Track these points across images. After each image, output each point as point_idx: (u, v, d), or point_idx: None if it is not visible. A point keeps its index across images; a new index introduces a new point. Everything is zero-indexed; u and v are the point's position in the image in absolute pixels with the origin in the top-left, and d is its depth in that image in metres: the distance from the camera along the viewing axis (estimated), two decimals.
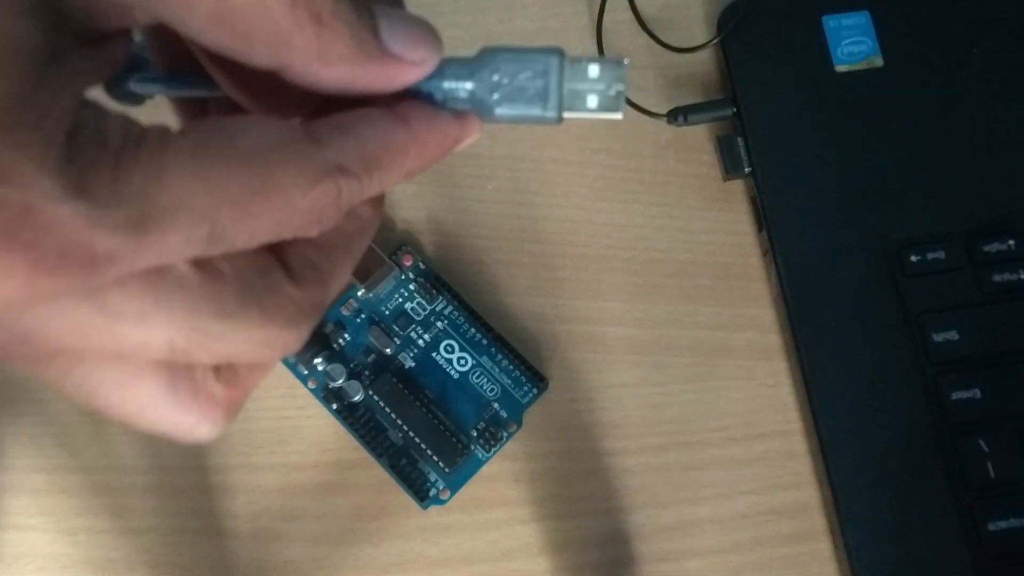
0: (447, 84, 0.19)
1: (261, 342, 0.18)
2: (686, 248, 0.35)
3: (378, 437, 0.32)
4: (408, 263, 0.34)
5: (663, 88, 0.37)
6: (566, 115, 0.19)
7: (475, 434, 0.33)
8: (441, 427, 0.32)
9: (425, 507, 0.32)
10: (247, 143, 0.16)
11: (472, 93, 0.19)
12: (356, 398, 0.33)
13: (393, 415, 0.32)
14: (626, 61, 0.19)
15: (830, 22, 0.36)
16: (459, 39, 0.37)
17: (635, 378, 0.34)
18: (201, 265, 0.17)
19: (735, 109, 0.35)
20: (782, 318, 0.34)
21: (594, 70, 0.19)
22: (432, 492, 0.32)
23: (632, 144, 0.36)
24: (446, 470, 0.32)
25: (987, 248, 0.33)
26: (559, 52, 0.19)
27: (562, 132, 0.36)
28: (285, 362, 0.33)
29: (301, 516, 0.32)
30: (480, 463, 0.33)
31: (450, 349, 0.33)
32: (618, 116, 0.19)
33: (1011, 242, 0.33)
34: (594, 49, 0.37)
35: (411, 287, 0.34)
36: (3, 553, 0.32)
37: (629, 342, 0.34)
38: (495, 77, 0.19)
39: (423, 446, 0.32)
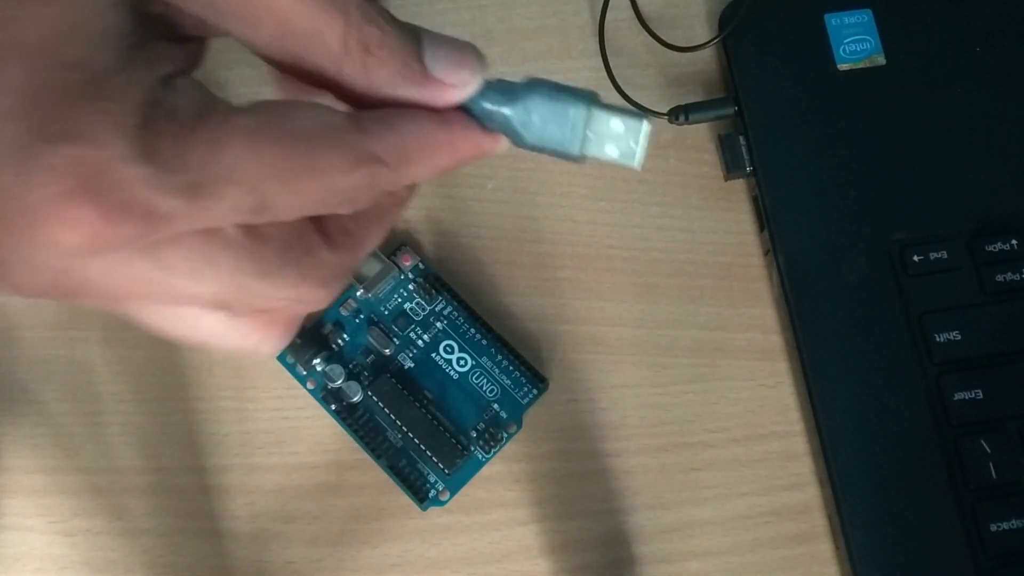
0: (487, 105, 0.20)
1: (295, 299, 0.20)
2: (687, 248, 0.35)
3: (377, 438, 0.32)
4: (407, 263, 0.34)
5: (664, 87, 0.37)
6: (588, 155, 0.21)
7: (475, 435, 0.32)
8: (440, 428, 0.32)
9: (424, 508, 0.32)
10: (299, 126, 0.18)
11: (507, 119, 0.20)
12: (355, 399, 0.32)
13: (392, 416, 0.32)
14: (647, 124, 0.21)
15: (832, 20, 0.36)
16: (459, 36, 0.37)
17: (635, 378, 0.34)
18: (247, 229, 0.19)
19: (736, 108, 0.35)
20: (783, 318, 0.34)
21: (618, 125, 0.21)
22: (431, 493, 0.32)
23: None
24: (445, 471, 0.32)
25: (989, 248, 0.33)
26: (592, 99, 0.20)
27: None
28: (283, 363, 0.33)
29: (300, 517, 0.32)
30: (480, 464, 0.32)
31: (450, 350, 0.33)
32: (635, 166, 0.21)
33: (1013, 242, 0.33)
34: (595, 48, 0.36)
35: (410, 287, 0.34)
36: (1, 554, 0.32)
37: (629, 342, 0.34)
38: (531, 110, 0.20)
39: (422, 447, 0.32)
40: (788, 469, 0.33)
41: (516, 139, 0.21)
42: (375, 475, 0.32)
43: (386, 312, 0.34)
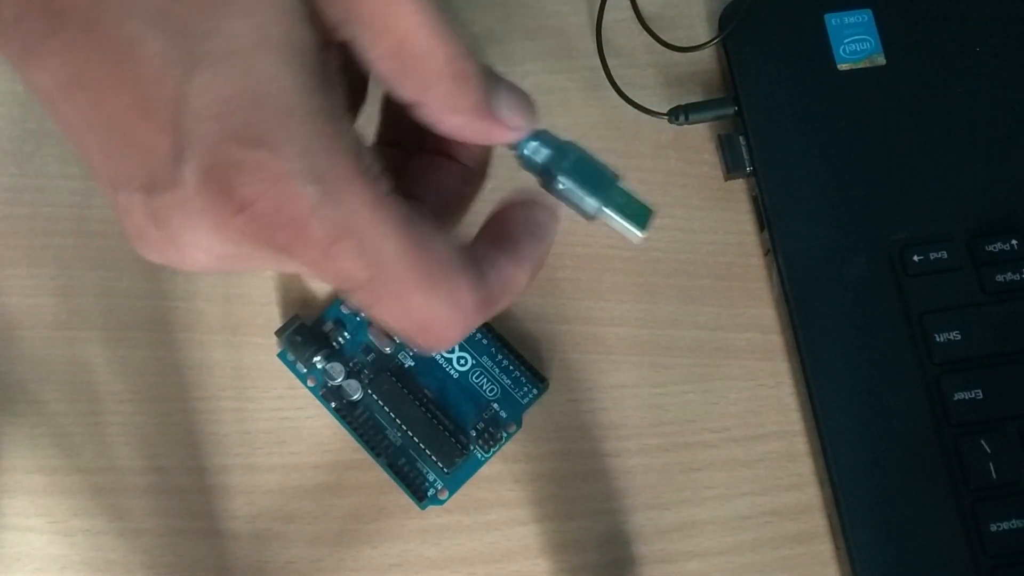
0: (528, 150, 0.23)
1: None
2: (687, 248, 0.35)
3: (377, 436, 0.32)
4: None
5: (664, 87, 0.37)
6: (601, 215, 0.24)
7: (474, 434, 0.32)
8: (440, 427, 0.32)
9: (423, 507, 0.32)
10: (433, 247, 0.20)
11: (545, 164, 0.23)
12: (355, 397, 0.32)
13: (392, 414, 0.32)
14: (654, 212, 0.25)
15: (832, 20, 0.36)
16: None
17: (635, 378, 0.34)
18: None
19: (736, 108, 0.35)
20: (783, 318, 0.34)
21: (634, 203, 0.24)
22: (431, 492, 0.32)
23: (633, 143, 0.36)
24: (445, 470, 0.32)
25: (989, 248, 0.33)
26: (615, 178, 0.24)
27: (562, 132, 0.36)
28: (284, 360, 0.33)
29: (300, 517, 0.32)
30: (479, 463, 0.32)
31: (450, 349, 0.33)
32: (636, 241, 0.24)
33: (1013, 242, 0.33)
34: (595, 48, 0.36)
35: None
36: (1, 554, 0.32)
37: (629, 342, 0.34)
38: (566, 161, 0.24)
39: (422, 446, 0.32)
40: (788, 469, 0.33)
41: (548, 182, 0.24)
42: (375, 475, 0.32)
43: None
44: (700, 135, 0.36)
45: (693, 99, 0.36)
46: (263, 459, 0.33)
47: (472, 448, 0.32)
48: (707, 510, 0.32)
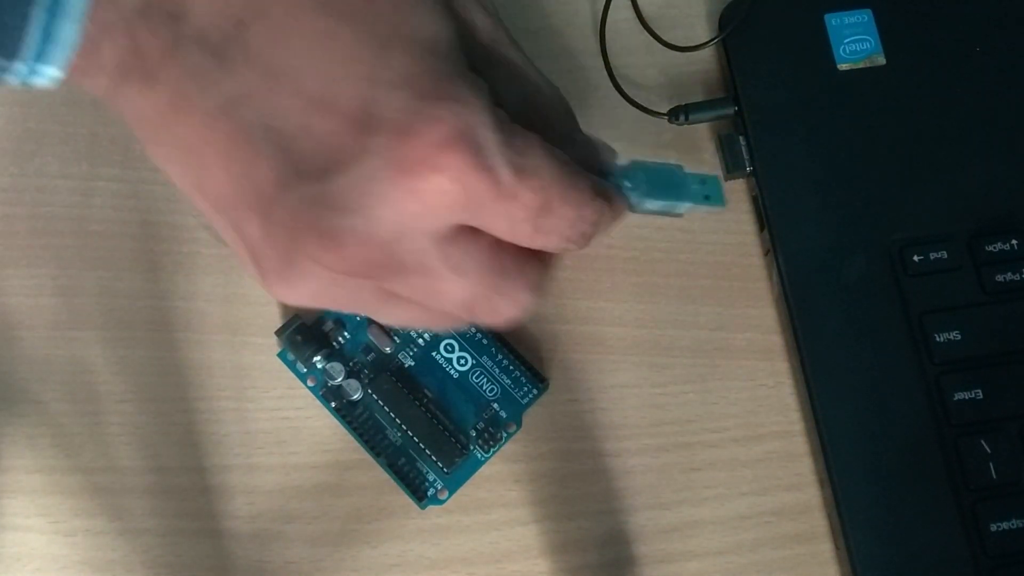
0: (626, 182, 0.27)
1: (516, 303, 0.25)
2: (687, 248, 0.35)
3: (376, 436, 0.32)
4: None
5: (664, 87, 0.37)
6: (689, 208, 0.27)
7: (474, 434, 0.32)
8: (440, 427, 0.32)
9: (423, 507, 0.32)
10: (567, 157, 0.24)
11: (626, 190, 0.26)
12: (355, 397, 0.32)
13: (392, 414, 0.32)
14: (720, 176, 0.30)
15: (832, 20, 0.36)
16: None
17: (635, 378, 0.34)
18: (495, 238, 0.24)
19: (736, 108, 0.35)
20: (783, 318, 0.34)
21: (702, 180, 0.27)
22: (430, 492, 0.32)
23: (633, 143, 0.36)
24: (444, 470, 0.32)
25: (989, 248, 0.33)
26: (683, 173, 0.27)
27: None
28: (284, 360, 0.33)
29: (300, 517, 0.32)
30: (479, 463, 0.32)
31: (450, 348, 0.33)
32: (723, 208, 0.27)
33: (1014, 242, 0.33)
34: (595, 48, 0.36)
35: None
36: (1, 554, 0.32)
37: (629, 342, 0.34)
38: (640, 181, 0.26)
39: (421, 445, 0.32)
40: (788, 469, 0.33)
41: (633, 208, 0.27)
42: (375, 475, 0.32)
43: None
44: (700, 135, 0.36)
45: (693, 99, 0.36)
46: (263, 459, 0.33)
47: (472, 448, 0.32)
48: (707, 510, 0.32)
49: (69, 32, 0.22)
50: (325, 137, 0.22)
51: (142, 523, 0.32)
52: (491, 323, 0.26)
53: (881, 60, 0.35)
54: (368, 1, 0.22)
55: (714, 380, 0.34)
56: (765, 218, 0.34)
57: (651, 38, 0.36)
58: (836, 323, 0.33)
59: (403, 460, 0.32)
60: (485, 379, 0.33)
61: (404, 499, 0.32)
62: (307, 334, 0.33)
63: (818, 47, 0.35)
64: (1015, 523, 0.31)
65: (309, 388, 0.33)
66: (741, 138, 0.35)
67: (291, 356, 0.33)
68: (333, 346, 0.33)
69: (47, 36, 0.22)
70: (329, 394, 0.33)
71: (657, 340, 0.34)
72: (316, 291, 0.24)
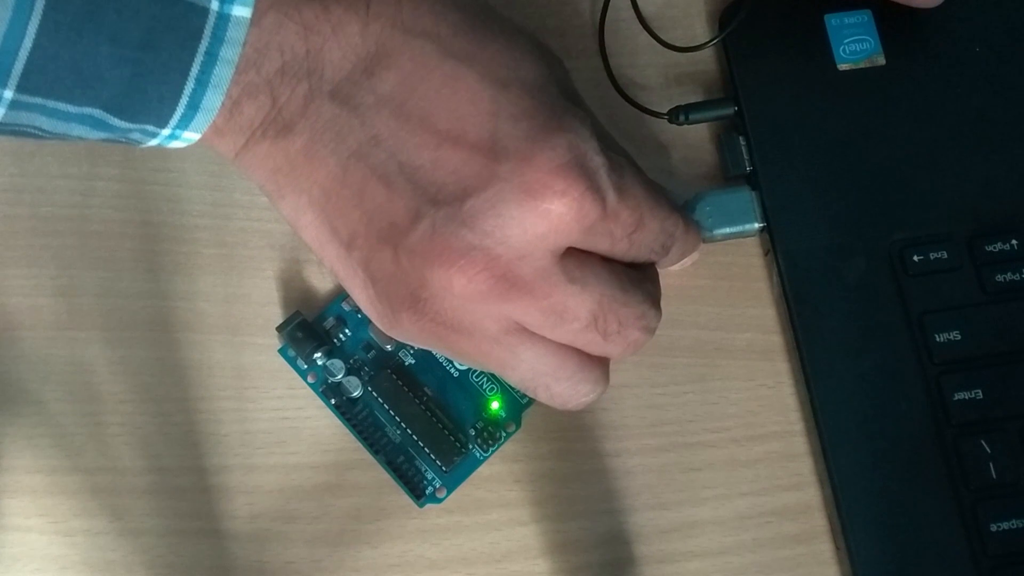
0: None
1: (640, 316, 0.28)
2: None
3: (376, 434, 0.32)
4: None
5: (664, 87, 0.37)
6: (757, 229, 0.34)
7: (473, 433, 0.32)
8: (439, 425, 0.32)
9: (422, 505, 0.32)
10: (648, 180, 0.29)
11: (697, 223, 0.32)
12: (355, 394, 0.32)
13: (391, 412, 0.32)
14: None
15: (832, 20, 0.36)
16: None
17: (635, 378, 0.34)
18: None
19: (736, 108, 0.35)
20: (783, 318, 0.34)
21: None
22: (429, 490, 0.32)
23: (633, 143, 0.36)
24: (443, 468, 0.32)
25: (989, 248, 0.33)
26: (748, 187, 0.34)
27: None
28: (285, 356, 0.33)
29: (300, 517, 0.32)
30: (478, 462, 0.32)
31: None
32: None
33: (1014, 242, 0.33)
34: (594, 48, 0.36)
35: None
36: (1, 554, 0.32)
37: None
38: (709, 219, 0.33)
39: (420, 444, 0.32)
40: (788, 469, 0.33)
41: (704, 237, 0.32)
42: (375, 475, 0.32)
43: None
44: (700, 135, 0.36)
45: (693, 99, 0.36)
46: (263, 459, 0.33)
47: (471, 447, 0.32)
48: (707, 510, 0.32)
49: (214, 99, 0.24)
50: (457, 167, 0.24)
51: (142, 523, 0.32)
52: (621, 346, 0.28)
53: (881, 60, 0.35)
54: (482, 48, 0.25)
55: (714, 380, 0.34)
56: (765, 218, 0.34)
57: (651, 38, 0.36)
58: (836, 323, 0.33)
59: (402, 458, 0.32)
60: (485, 378, 0.33)
61: (404, 499, 0.32)
62: (308, 330, 0.33)
63: (818, 47, 0.35)
64: (1015, 523, 0.31)
65: (309, 384, 0.33)
66: (741, 138, 0.35)
67: (291, 352, 0.33)
68: (334, 343, 0.33)
69: (194, 104, 0.24)
70: (329, 391, 0.33)
71: (657, 340, 0.34)
72: (442, 323, 0.26)
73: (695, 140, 0.36)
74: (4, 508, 0.32)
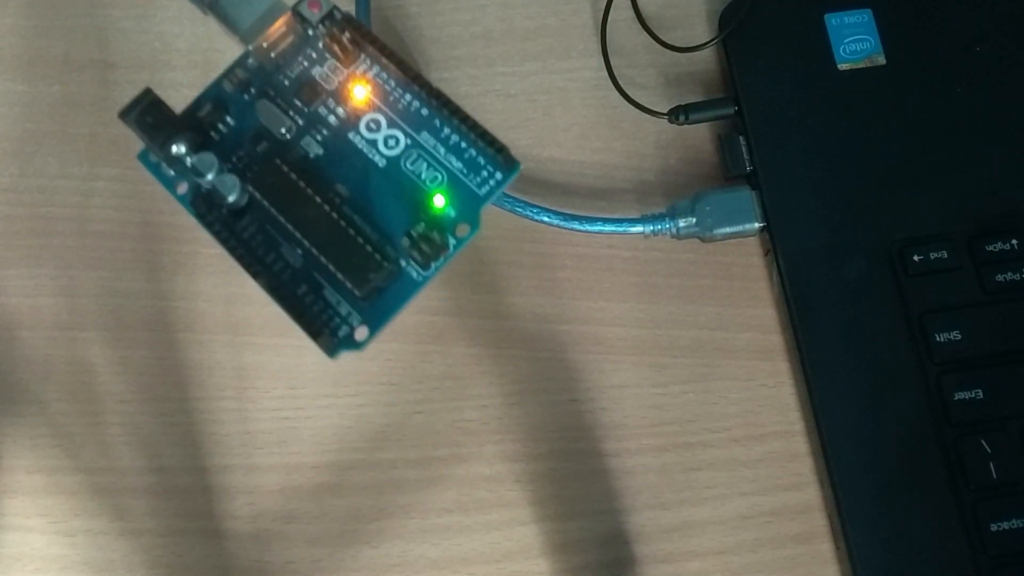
0: (681, 222, 0.32)
1: None
2: (687, 248, 0.35)
3: (268, 256, 0.23)
4: (315, 11, 0.24)
5: (664, 87, 0.37)
6: (757, 229, 0.33)
7: (407, 243, 0.22)
8: (350, 231, 0.22)
9: (334, 354, 0.22)
10: None
11: (694, 225, 0.32)
12: (231, 199, 0.23)
13: (282, 218, 0.23)
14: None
15: (832, 20, 0.36)
16: (459, 37, 0.37)
17: (636, 378, 0.34)
18: None
19: (737, 108, 0.35)
20: (783, 318, 0.34)
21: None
22: (343, 331, 0.22)
23: (633, 143, 0.36)
24: (357, 293, 0.22)
25: (989, 248, 0.33)
26: (749, 187, 0.33)
27: (562, 132, 0.36)
28: (146, 163, 0.24)
29: (300, 517, 0.32)
30: (415, 286, 0.23)
31: (374, 126, 0.24)
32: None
33: (1014, 241, 0.33)
34: (595, 48, 0.36)
35: (319, 45, 0.24)
36: (1, 554, 0.32)
37: (630, 342, 0.34)
38: (707, 210, 0.32)
39: (323, 260, 0.22)
40: (788, 469, 0.33)
41: (704, 236, 0.31)
42: (375, 475, 0.32)
43: (286, 82, 0.24)
44: (700, 135, 0.36)
45: (693, 99, 0.36)
46: (263, 459, 0.33)
47: (404, 263, 0.23)
48: (707, 510, 0.32)
49: None
50: None
51: (142, 523, 0.32)
52: None
53: (881, 60, 0.35)
54: None
55: (714, 380, 0.34)
56: (765, 218, 0.34)
57: (651, 38, 0.36)
58: (836, 323, 0.33)
59: (304, 288, 0.23)
60: (424, 164, 0.23)
61: (404, 499, 0.32)
62: (162, 115, 0.23)
63: (818, 47, 0.35)
64: (1015, 523, 0.31)
65: (179, 199, 0.24)
66: (741, 138, 0.35)
67: (154, 158, 0.24)
68: (211, 137, 0.24)
69: None
70: (201, 204, 0.23)
71: (657, 340, 0.34)
72: None
73: (695, 140, 0.36)
74: (4, 508, 0.32)
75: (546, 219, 0.34)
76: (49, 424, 0.33)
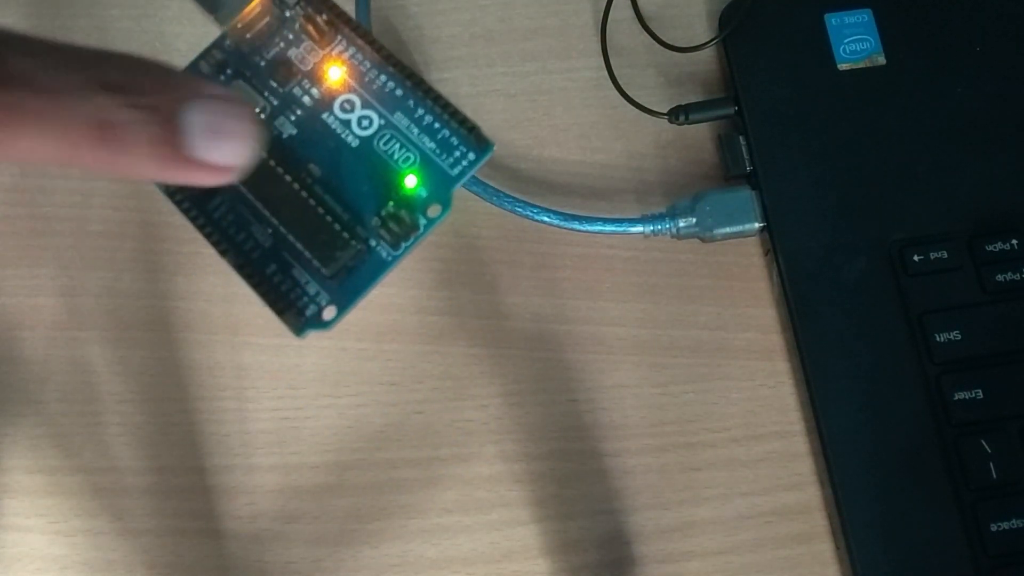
0: (681, 222, 0.32)
1: None
2: (687, 248, 0.35)
3: (239, 236, 0.23)
4: None
5: (664, 87, 0.37)
6: (757, 229, 0.33)
7: (377, 223, 0.23)
8: (319, 210, 0.23)
9: (301, 333, 0.23)
10: None
11: (694, 224, 0.31)
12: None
13: (251, 197, 0.23)
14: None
15: (832, 20, 0.36)
16: (459, 37, 0.37)
17: (636, 378, 0.34)
18: None
19: (737, 108, 0.35)
20: (783, 318, 0.34)
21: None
22: (309, 309, 0.23)
23: (633, 143, 0.36)
24: (324, 271, 0.23)
25: (989, 247, 0.33)
26: (749, 187, 0.32)
27: (562, 132, 0.36)
28: None
29: (300, 517, 0.32)
30: (384, 265, 0.23)
31: (348, 107, 0.24)
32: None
33: (1013, 241, 0.33)
34: (595, 48, 0.36)
35: (295, 26, 0.25)
36: (1, 554, 0.32)
37: (630, 342, 0.34)
38: (706, 210, 0.32)
39: (291, 238, 0.23)
40: (788, 469, 0.33)
41: (703, 236, 0.31)
42: (375, 475, 0.32)
43: (262, 63, 0.24)
44: (700, 135, 0.36)
45: (693, 99, 0.36)
46: (263, 459, 0.33)
47: (373, 242, 0.23)
48: (707, 510, 0.32)
49: None
50: None
51: (142, 523, 0.32)
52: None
53: (881, 60, 0.35)
54: None
55: (714, 380, 0.34)
56: (765, 218, 0.34)
57: (651, 38, 0.36)
58: (836, 323, 0.33)
59: (273, 267, 0.23)
60: (397, 144, 0.24)
61: (404, 499, 0.32)
62: None
63: (818, 47, 0.35)
64: (1015, 523, 0.31)
65: (156, 183, 0.24)
66: (741, 138, 0.35)
67: None
68: None
69: None
70: (173, 186, 0.24)
71: (657, 340, 0.34)
72: None
73: (695, 140, 0.36)
74: (4, 508, 0.32)
75: (546, 219, 0.34)
76: (49, 424, 0.33)
